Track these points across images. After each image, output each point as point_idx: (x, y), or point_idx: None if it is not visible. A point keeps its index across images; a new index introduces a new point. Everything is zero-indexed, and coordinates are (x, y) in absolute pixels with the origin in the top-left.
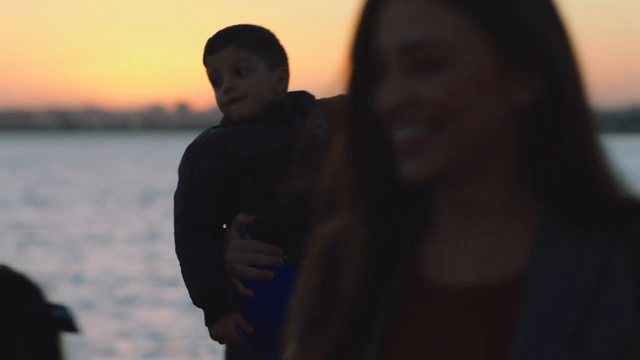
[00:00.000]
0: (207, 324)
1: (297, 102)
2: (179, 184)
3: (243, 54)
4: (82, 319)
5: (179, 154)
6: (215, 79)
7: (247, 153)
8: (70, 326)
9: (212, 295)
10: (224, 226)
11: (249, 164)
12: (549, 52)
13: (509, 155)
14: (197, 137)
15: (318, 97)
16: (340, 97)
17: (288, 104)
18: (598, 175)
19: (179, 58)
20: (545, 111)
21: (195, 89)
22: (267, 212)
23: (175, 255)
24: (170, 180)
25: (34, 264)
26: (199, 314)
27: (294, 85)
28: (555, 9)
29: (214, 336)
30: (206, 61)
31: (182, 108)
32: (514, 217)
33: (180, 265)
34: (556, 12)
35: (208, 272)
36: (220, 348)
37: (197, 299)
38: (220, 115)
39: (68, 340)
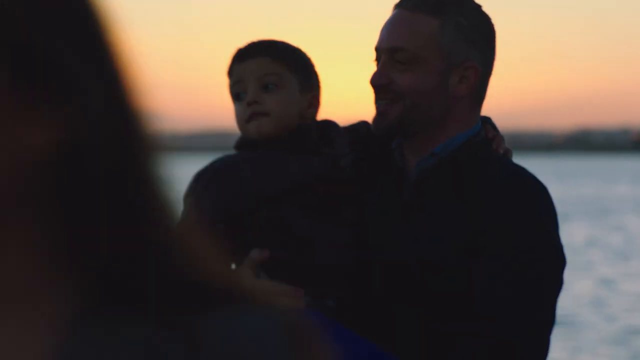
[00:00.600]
0: None
1: (324, 131)
2: (182, 213)
3: (275, 67)
4: None
5: None
6: (237, 91)
7: (265, 181)
8: None
9: None
10: (233, 265)
11: (265, 195)
12: (71, 85)
13: (31, 223)
14: (209, 163)
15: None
16: (363, 124)
17: (315, 131)
18: (149, 246)
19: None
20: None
21: None
22: (285, 248)
23: None
24: None
25: None
26: None
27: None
28: (101, 36)
29: None
30: (231, 71)
31: None
32: (38, 309)
33: None
34: (101, 39)
35: None
36: None
37: None
38: None
39: None
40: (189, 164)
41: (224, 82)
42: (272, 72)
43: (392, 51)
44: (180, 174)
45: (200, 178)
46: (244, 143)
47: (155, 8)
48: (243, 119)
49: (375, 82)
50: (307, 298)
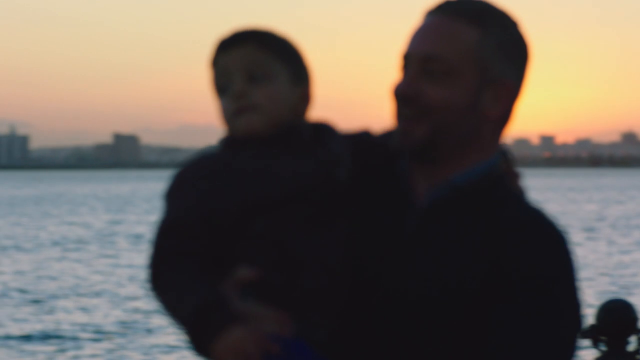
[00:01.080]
0: (207, 342)
1: (317, 133)
2: (164, 214)
3: (263, 57)
4: None
5: (542, 187)
6: (222, 84)
7: (260, 186)
8: None
9: (212, 306)
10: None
11: (261, 201)
12: None
13: None
14: (192, 158)
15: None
16: (365, 134)
17: (308, 131)
18: None
19: (542, 92)
20: None
21: (559, 123)
22: (278, 267)
23: None
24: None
25: None
26: None
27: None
28: None
29: (221, 353)
30: (215, 62)
31: (546, 140)
32: None
33: (161, 295)
34: None
35: (203, 287)
36: None
37: (193, 312)
38: None
39: None
40: None
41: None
42: (259, 62)
43: (425, 59)
44: None
45: (184, 175)
46: (231, 141)
47: None
48: (230, 114)
49: (402, 92)
50: (297, 326)
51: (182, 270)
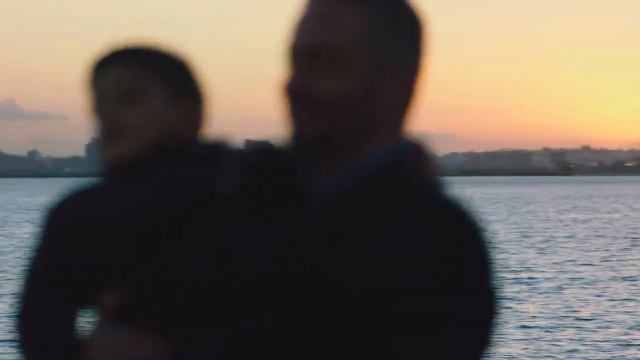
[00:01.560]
0: None
1: (209, 151)
2: (32, 252)
3: (134, 74)
4: None
5: None
6: (95, 106)
7: (114, 220)
8: None
9: None
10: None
11: (118, 234)
12: None
13: None
14: (68, 191)
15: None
16: (265, 144)
17: (198, 151)
18: None
19: None
20: None
21: None
22: (146, 291)
23: None
24: None
25: None
26: None
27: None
28: None
29: None
30: (89, 83)
31: None
32: None
33: (20, 352)
34: None
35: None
36: None
37: None
38: None
39: None
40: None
41: (525, 104)
42: (131, 82)
43: (312, 51)
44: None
45: (53, 211)
46: (108, 168)
47: None
48: (102, 139)
49: (293, 87)
50: (173, 350)
51: (39, 336)
